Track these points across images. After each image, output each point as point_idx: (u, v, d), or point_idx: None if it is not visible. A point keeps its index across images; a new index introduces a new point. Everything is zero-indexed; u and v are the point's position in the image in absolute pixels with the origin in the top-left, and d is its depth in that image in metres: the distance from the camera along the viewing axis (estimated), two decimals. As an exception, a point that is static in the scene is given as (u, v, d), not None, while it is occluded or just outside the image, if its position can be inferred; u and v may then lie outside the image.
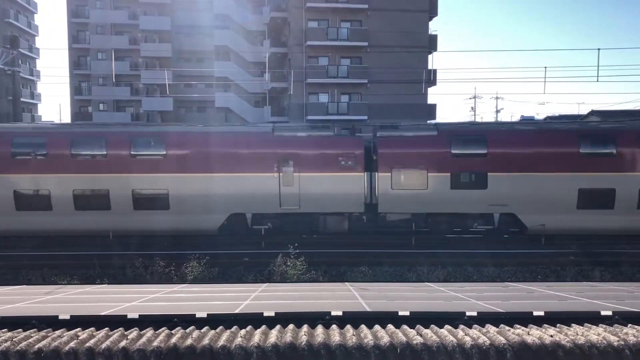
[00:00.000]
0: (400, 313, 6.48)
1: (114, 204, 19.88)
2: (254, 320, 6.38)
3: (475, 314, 6.43)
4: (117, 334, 5.87)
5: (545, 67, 43.52)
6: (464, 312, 6.47)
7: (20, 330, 6.19)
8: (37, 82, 69.46)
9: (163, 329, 6.11)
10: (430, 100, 43.92)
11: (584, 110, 76.33)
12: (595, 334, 5.53)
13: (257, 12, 48.68)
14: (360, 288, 9.62)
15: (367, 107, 41.25)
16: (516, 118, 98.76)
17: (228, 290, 9.69)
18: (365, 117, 41.20)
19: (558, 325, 6.13)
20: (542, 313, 6.43)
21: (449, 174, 19.97)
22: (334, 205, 20.21)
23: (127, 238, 20.20)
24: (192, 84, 50.04)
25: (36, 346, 5.46)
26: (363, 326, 6.13)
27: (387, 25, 40.64)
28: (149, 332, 5.94)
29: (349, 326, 6.12)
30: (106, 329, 6.15)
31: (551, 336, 5.45)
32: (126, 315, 6.56)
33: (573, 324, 6.15)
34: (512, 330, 5.84)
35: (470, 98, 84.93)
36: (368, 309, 7.03)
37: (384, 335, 5.68)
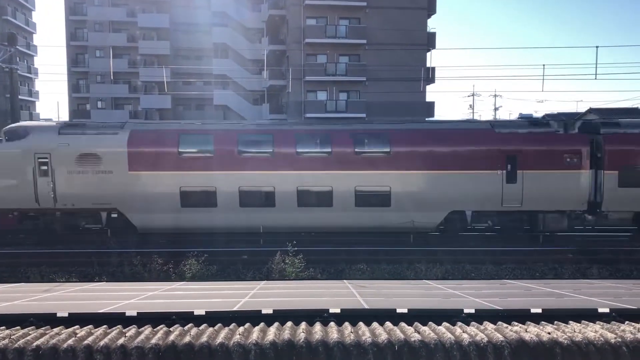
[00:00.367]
0: (398, 310, 6.50)
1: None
2: (252, 317, 6.38)
3: (473, 311, 6.44)
4: (115, 331, 5.88)
5: (544, 65, 43.58)
6: (462, 310, 6.48)
7: (18, 328, 6.19)
8: (35, 79, 69.34)
9: (161, 326, 6.12)
10: (428, 98, 43.92)
11: (582, 108, 76.35)
12: (593, 331, 5.55)
13: (255, 9, 48.68)
14: (358, 285, 9.63)
15: (365, 105, 41.27)
16: (515, 116, 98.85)
17: (226, 288, 9.70)
18: (364, 115, 41.19)
19: (555, 322, 6.15)
20: (539, 310, 6.44)
21: None
22: (555, 203, 20.07)
23: (126, 237, 20.24)
24: (190, 81, 49.99)
25: (34, 344, 5.46)
26: (361, 323, 6.15)
27: (385, 22, 40.63)
28: (147, 330, 5.95)
29: (347, 323, 6.13)
30: (104, 326, 6.16)
31: (549, 333, 5.47)
32: (124, 313, 6.56)
33: (570, 321, 6.16)
34: (509, 327, 5.85)
35: (468, 96, 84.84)
36: (366, 307, 7.04)
37: (382, 332, 5.69)
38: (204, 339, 5.52)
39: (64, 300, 8.35)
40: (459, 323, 6.10)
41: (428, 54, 43.09)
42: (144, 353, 5.33)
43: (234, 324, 6.16)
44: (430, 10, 43.50)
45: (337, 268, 16.37)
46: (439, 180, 20.15)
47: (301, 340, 5.43)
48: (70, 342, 5.48)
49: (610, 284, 10.30)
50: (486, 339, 5.34)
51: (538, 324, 6.10)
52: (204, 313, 6.51)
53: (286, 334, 5.60)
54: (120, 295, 8.44)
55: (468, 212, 20.33)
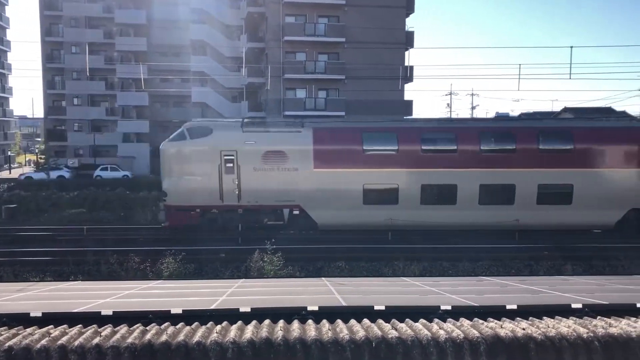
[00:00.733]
0: (376, 307, 6.53)
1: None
2: (230, 316, 6.36)
3: (449, 307, 6.50)
4: (90, 330, 5.80)
5: (520, 65, 44.18)
6: (439, 306, 6.54)
7: (-10, 328, 6.07)
8: (8, 75, 67.98)
9: (137, 325, 6.06)
10: (407, 97, 44.19)
11: (557, 107, 77.54)
12: (566, 326, 5.64)
13: (234, 6, 48.39)
14: (336, 283, 9.65)
15: (344, 103, 41.33)
16: (491, 114, 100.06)
17: (204, 286, 9.64)
18: (343, 113, 41.26)
19: (530, 318, 6.24)
20: (515, 306, 6.53)
21: None
22: None
23: (102, 232, 20.00)
24: (168, 78, 49.52)
25: (6, 344, 5.36)
26: (339, 321, 6.16)
27: (364, 21, 40.72)
28: (123, 329, 5.88)
29: (325, 321, 6.14)
30: (79, 326, 6.08)
31: (523, 329, 5.54)
32: (100, 312, 6.48)
33: (545, 317, 6.26)
34: (485, 323, 5.92)
35: (446, 95, 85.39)
36: (344, 304, 7.06)
37: (359, 329, 5.71)
38: (180, 337, 5.48)
39: (38, 299, 8.21)
40: (436, 320, 6.16)
41: (406, 52, 43.31)
42: (120, 352, 5.27)
43: (211, 322, 6.12)
44: (409, 9, 43.71)
45: (316, 266, 16.41)
46: (619, 177, 20.62)
47: (279, 339, 5.42)
48: (43, 342, 5.39)
49: (584, 280, 10.48)
50: (462, 335, 5.39)
51: (513, 320, 6.18)
52: (180, 312, 6.46)
53: (264, 332, 5.59)
54: (96, 294, 8.34)
55: None
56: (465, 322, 6.01)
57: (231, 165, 20.40)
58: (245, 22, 46.21)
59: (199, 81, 47.48)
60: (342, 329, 5.73)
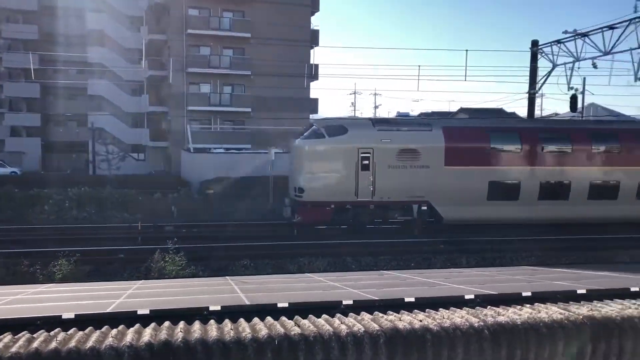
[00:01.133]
0: (279, 305, 6.51)
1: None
2: (127, 319, 6.08)
3: (351, 302, 6.62)
4: (-32, 341, 5.32)
5: (419, 66, 46.08)
6: (341, 301, 6.64)
7: None
8: None
9: (23, 333, 5.64)
10: (312, 95, 44.60)
11: (454, 108, 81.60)
12: (459, 316, 5.93)
13: (135, -4, 46.47)
14: (240, 282, 9.55)
15: (250, 100, 41.01)
16: (393, 114, 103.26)
17: (100, 289, 9.17)
18: (249, 110, 40.93)
19: (427, 310, 6.49)
20: (412, 299, 6.76)
21: None
22: None
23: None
24: (62, 69, 46.63)
25: None
26: (241, 320, 6.08)
27: (270, 17, 40.58)
28: (6, 338, 5.45)
29: (227, 320, 6.04)
30: (-45, 336, 5.56)
31: (420, 321, 5.76)
32: (-20, 321, 5.97)
33: (440, 309, 6.53)
34: (385, 316, 6.08)
35: (350, 94, 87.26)
36: (247, 302, 6.99)
37: (262, 328, 5.67)
38: (72, 343, 5.17)
39: None
40: (338, 315, 6.24)
41: (312, 50, 43.70)
42: (3, 363, 4.88)
43: (106, 326, 5.83)
44: (314, 7, 44.12)
45: (220, 265, 16.13)
46: None
47: (179, 340, 5.26)
48: None
49: (477, 272, 11.09)
50: (363, 329, 5.51)
51: (411, 312, 6.40)
52: (73, 316, 6.09)
53: (163, 335, 5.41)
54: (-23, 301, 7.68)
55: None
56: (366, 316, 6.15)
57: (367, 162, 21.24)
58: (146, 13, 44.53)
59: (97, 73, 45.15)
60: (245, 328, 5.67)
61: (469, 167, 21.85)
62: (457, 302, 6.79)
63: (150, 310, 6.27)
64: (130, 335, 5.45)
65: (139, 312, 6.22)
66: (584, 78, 38.14)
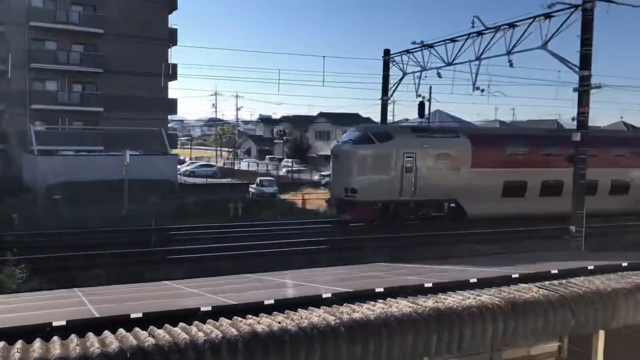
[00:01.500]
0: (133, 315, 6.18)
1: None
2: (-48, 342, 5.38)
3: (209, 308, 6.47)
4: None
5: (279, 70, 46.63)
6: (199, 308, 6.46)
7: None
8: None
9: None
10: (171, 95, 43.24)
11: (314, 112, 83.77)
12: (317, 315, 6.05)
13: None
14: (90, 293, 8.92)
15: (103, 99, 38.68)
16: (255, 117, 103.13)
17: None
18: (101, 109, 38.61)
19: (286, 311, 6.54)
20: (272, 301, 6.78)
21: None
22: None
23: None
24: None
25: None
26: (90, 334, 5.67)
27: (124, 13, 38.64)
28: None
29: (73, 336, 5.59)
30: None
31: (279, 323, 5.78)
32: None
33: (299, 309, 6.62)
34: (244, 321, 6.02)
35: (211, 95, 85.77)
36: (97, 315, 6.54)
37: (113, 341, 5.33)
38: None
39: None
40: (196, 322, 6.07)
41: (170, 49, 42.38)
42: None
43: None
44: (172, 5, 42.82)
45: (68, 276, 14.97)
46: None
47: (15, 362, 4.77)
48: None
49: (337, 271, 11.43)
50: (221, 335, 5.40)
51: (271, 314, 6.41)
52: None
53: (-4, 357, 4.86)
54: None
55: None
56: (225, 321, 6.04)
57: (410, 165, 24.36)
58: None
59: None
60: (93, 343, 5.29)
61: (490, 169, 25.93)
62: (316, 301, 6.93)
63: (-20, 332, 5.61)
64: (-45, 360, 4.84)
65: (-33, 333, 5.54)
66: (430, 86, 41.19)
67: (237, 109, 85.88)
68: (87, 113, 38.96)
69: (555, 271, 7.77)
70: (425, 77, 30.51)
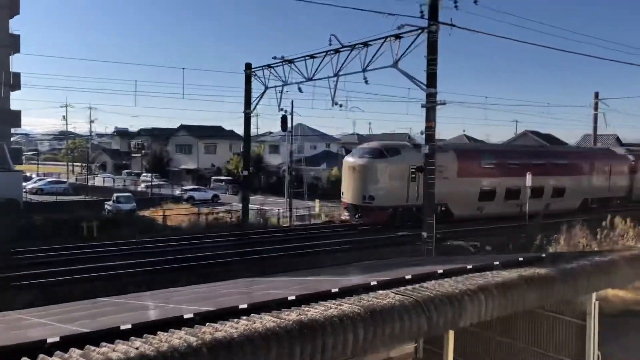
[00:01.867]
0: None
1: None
2: None
3: (57, 339, 5.94)
4: None
5: (136, 81, 44.66)
6: (45, 340, 5.91)
7: None
8: None
9: None
10: (13, 107, 39.59)
11: (174, 124, 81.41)
12: (178, 337, 5.81)
13: None
14: None
15: None
16: (111, 130, 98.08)
17: None
18: None
19: (145, 335, 6.20)
20: (129, 326, 6.40)
21: None
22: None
23: None
24: None
25: None
26: None
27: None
28: None
29: None
30: None
31: (137, 348, 5.47)
32: None
33: (159, 332, 6.31)
34: (97, 349, 5.61)
35: (61, 106, 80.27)
36: None
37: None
38: None
39: None
40: (42, 355, 5.54)
41: (11, 57, 38.86)
42: None
43: None
44: (13, 10, 39.36)
45: None
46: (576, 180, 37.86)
47: None
48: None
49: (199, 289, 11.09)
50: (70, 367, 4.98)
51: (128, 340, 6.04)
52: None
53: None
54: None
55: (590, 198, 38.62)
56: (75, 352, 5.59)
57: (414, 176, 29.01)
58: None
59: None
60: None
61: (470, 178, 32.39)
62: (177, 322, 6.66)
63: None
64: None
65: None
66: (292, 100, 42.08)
67: (91, 122, 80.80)
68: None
69: (410, 276, 8.23)
70: (287, 91, 31.15)
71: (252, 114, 34.68)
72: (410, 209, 30.01)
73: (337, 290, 7.52)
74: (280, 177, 63.26)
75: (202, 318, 6.73)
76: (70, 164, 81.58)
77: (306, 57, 28.17)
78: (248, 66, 32.83)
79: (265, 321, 6.11)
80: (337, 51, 26.17)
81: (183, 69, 35.74)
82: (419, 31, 21.82)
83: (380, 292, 7.34)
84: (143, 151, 77.70)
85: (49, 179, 60.21)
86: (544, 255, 11.01)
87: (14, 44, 39.17)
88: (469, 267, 8.89)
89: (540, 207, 33.72)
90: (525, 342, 10.65)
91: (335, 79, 26.75)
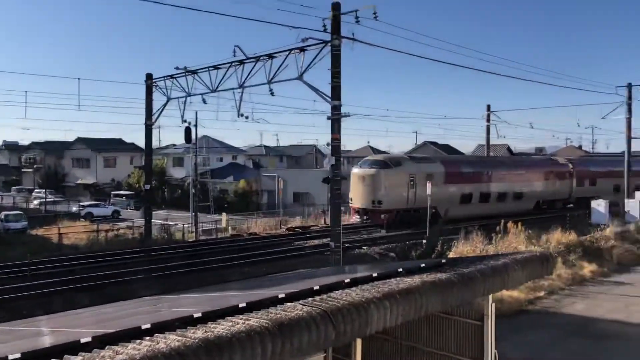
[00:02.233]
0: None
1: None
2: None
3: None
4: None
5: (26, 92, 41.79)
6: None
7: None
8: None
9: None
10: None
11: (71, 137, 77.15)
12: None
13: None
14: None
15: None
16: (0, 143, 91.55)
17: None
18: None
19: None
20: (18, 355, 5.93)
21: None
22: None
23: None
24: None
25: None
26: None
27: None
28: None
29: None
30: None
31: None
32: None
33: (53, 358, 5.91)
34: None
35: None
36: None
37: None
38: None
39: None
40: None
41: None
42: None
43: None
44: None
45: None
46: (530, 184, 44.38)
47: None
48: None
49: (100, 310, 10.51)
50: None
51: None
52: None
53: None
54: None
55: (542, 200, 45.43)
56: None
57: (412, 182, 35.45)
58: None
59: None
60: None
61: (454, 184, 37.82)
62: (73, 348, 6.26)
63: None
64: None
65: None
66: (197, 112, 41.31)
67: (-25, 135, 74.67)
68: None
69: (317, 287, 8.27)
70: (191, 102, 30.51)
71: (154, 126, 33.60)
72: (409, 211, 35.53)
73: (244, 305, 7.41)
74: (185, 191, 61.71)
75: (101, 342, 6.36)
76: (-50, 180, 74.91)
77: (210, 68, 27.75)
78: (149, 76, 31.85)
79: (170, 341, 5.88)
80: (241, 62, 26.01)
81: (79, 79, 33.88)
82: (323, 44, 22.19)
83: (289, 304, 7.31)
84: (35, 166, 73.01)
85: None
86: (444, 260, 11.49)
87: None
88: (375, 274, 9.09)
89: (505, 208, 39.94)
90: (429, 345, 11.03)
91: (240, 90, 26.56)
